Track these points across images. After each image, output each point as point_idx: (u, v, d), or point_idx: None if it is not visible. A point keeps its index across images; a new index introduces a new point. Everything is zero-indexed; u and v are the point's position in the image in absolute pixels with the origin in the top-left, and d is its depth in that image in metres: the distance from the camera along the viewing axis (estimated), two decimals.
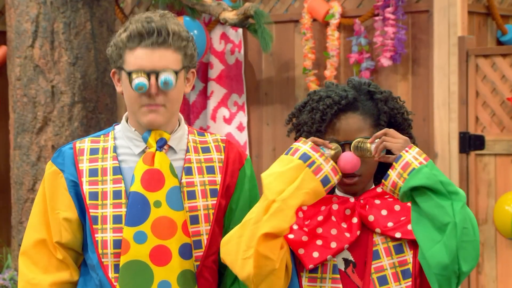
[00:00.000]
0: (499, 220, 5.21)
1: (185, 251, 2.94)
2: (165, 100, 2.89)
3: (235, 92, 6.48)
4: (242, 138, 6.47)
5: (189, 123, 6.54)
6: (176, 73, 2.88)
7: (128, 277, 2.92)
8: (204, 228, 2.96)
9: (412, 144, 2.75)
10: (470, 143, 5.51)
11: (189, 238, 2.94)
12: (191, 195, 2.96)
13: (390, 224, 2.80)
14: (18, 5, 5.91)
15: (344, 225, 2.82)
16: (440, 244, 2.67)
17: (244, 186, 3.04)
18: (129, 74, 2.86)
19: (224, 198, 3.01)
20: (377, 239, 2.81)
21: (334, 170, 2.77)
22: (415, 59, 6.02)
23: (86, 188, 2.95)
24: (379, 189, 2.85)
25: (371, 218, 2.80)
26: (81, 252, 3.02)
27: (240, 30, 6.44)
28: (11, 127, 6.03)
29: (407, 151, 2.70)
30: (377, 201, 2.84)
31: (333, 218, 2.83)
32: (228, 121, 6.46)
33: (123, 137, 3.00)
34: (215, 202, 2.98)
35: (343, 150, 2.82)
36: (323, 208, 2.84)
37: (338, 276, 2.82)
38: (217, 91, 6.46)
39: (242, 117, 6.49)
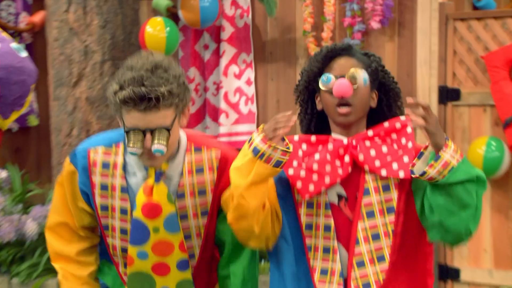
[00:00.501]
0: (472, 161, 5.19)
1: (182, 265, 3.03)
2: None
3: (244, 51, 6.47)
4: (250, 91, 6.46)
5: (204, 78, 6.54)
6: (169, 130, 2.84)
7: (135, 283, 3.04)
8: (196, 242, 3.06)
9: (447, 141, 2.74)
10: (448, 95, 5.55)
11: (185, 254, 3.00)
12: (184, 217, 3.01)
13: (377, 163, 2.89)
14: None
15: (337, 163, 2.90)
16: (458, 218, 2.77)
17: None
18: (127, 133, 2.83)
19: (214, 215, 3.06)
20: (368, 178, 2.89)
21: (283, 154, 2.77)
22: (401, 22, 6.01)
23: (98, 200, 3.04)
24: (369, 133, 2.93)
25: (361, 157, 2.89)
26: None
27: None
28: (50, 81, 6.08)
29: (444, 151, 2.72)
30: (367, 143, 2.91)
31: (328, 157, 2.89)
32: (238, 76, 6.45)
33: (130, 156, 3.00)
34: (205, 221, 3.04)
35: None
36: (320, 147, 2.92)
37: (330, 212, 2.90)
38: (228, 51, 6.45)
39: (250, 73, 6.48)
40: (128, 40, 6.10)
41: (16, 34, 6.60)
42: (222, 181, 3.01)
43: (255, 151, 2.78)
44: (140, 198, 2.94)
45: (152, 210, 2.94)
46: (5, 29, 6.15)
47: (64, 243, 3.13)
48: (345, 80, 2.86)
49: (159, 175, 2.94)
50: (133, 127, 2.81)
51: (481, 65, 5.46)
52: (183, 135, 3.03)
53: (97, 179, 3.00)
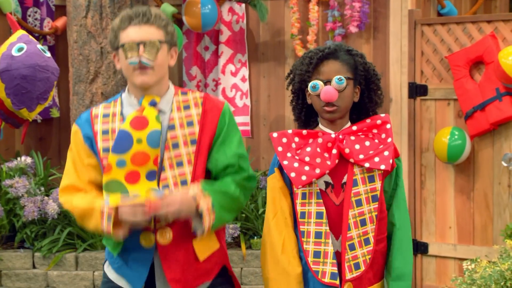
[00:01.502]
0: (438, 149, 5.22)
1: (151, 175, 2.89)
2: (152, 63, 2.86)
3: (239, 52, 6.42)
4: (244, 87, 6.40)
5: (205, 76, 6.53)
6: (160, 42, 2.86)
7: (108, 191, 2.91)
8: (188, 169, 2.91)
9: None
10: (417, 90, 5.45)
11: (156, 167, 2.89)
12: (175, 146, 2.92)
13: (361, 156, 2.80)
14: None
15: (326, 155, 2.81)
16: None
17: (225, 126, 2.96)
18: (123, 45, 2.85)
19: (202, 143, 2.94)
20: (356, 170, 2.81)
21: None
22: (376, 27, 5.98)
23: (100, 145, 2.95)
24: (354, 128, 2.85)
25: (347, 150, 2.80)
26: None
27: (243, 5, 6.38)
28: (70, 78, 6.04)
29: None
30: (352, 137, 2.83)
31: (318, 149, 2.81)
32: (234, 74, 6.41)
33: (126, 104, 2.97)
34: (195, 149, 2.92)
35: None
36: (310, 140, 2.84)
37: (321, 200, 2.82)
38: (226, 52, 6.41)
39: (244, 71, 6.41)
40: None
41: (40, 37, 6.56)
42: (207, 115, 2.96)
43: None
44: (131, 115, 2.91)
45: (140, 122, 2.89)
46: (31, 32, 6.13)
47: (73, 196, 3.05)
48: (331, 87, 2.79)
49: (153, 104, 2.92)
50: (129, 41, 2.84)
51: (445, 64, 5.38)
52: (171, 84, 3.04)
53: (98, 127, 2.95)
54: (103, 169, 2.94)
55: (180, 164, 2.91)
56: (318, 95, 2.79)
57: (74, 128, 3.00)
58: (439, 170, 5.37)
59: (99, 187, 3.00)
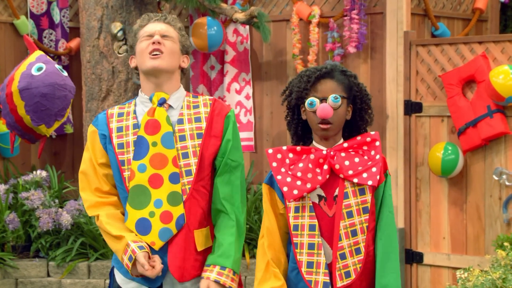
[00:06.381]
0: (432, 163, 5.22)
1: (174, 178, 2.94)
2: (164, 48, 2.95)
3: (243, 71, 6.45)
4: (248, 104, 6.43)
5: (211, 94, 6.56)
6: (172, 38, 3.00)
7: (134, 196, 2.95)
8: (193, 161, 2.96)
9: None
10: (412, 108, 5.46)
11: (177, 169, 2.94)
12: (182, 138, 2.97)
13: (350, 171, 2.81)
14: (88, 8, 5.97)
15: (317, 170, 2.82)
16: None
17: (229, 128, 3.03)
18: (139, 40, 2.99)
19: (208, 138, 3.00)
20: (347, 183, 2.81)
21: None
22: (373, 47, 5.99)
23: (115, 141, 3.01)
24: (345, 145, 2.86)
25: (337, 166, 2.82)
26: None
27: (247, 27, 6.41)
28: (83, 96, 6.09)
29: None
30: (343, 154, 2.84)
31: (310, 165, 2.83)
32: (238, 92, 6.43)
33: (139, 104, 3.01)
34: (200, 142, 2.97)
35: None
36: (304, 156, 2.86)
37: (314, 213, 2.83)
38: (230, 71, 6.44)
39: (248, 89, 6.45)
40: None
41: (55, 57, 6.62)
42: (214, 114, 3.03)
43: None
44: (144, 118, 2.96)
45: (153, 126, 2.95)
46: (47, 53, 6.18)
47: (100, 210, 3.06)
48: (327, 105, 2.81)
49: (162, 102, 2.97)
50: (145, 35, 2.99)
51: (439, 83, 5.40)
52: (182, 87, 3.11)
53: (113, 125, 3.02)
54: (119, 165, 2.98)
55: (185, 155, 2.96)
56: (314, 112, 2.81)
57: (91, 128, 3.06)
58: (434, 183, 5.37)
59: (112, 184, 3.05)
